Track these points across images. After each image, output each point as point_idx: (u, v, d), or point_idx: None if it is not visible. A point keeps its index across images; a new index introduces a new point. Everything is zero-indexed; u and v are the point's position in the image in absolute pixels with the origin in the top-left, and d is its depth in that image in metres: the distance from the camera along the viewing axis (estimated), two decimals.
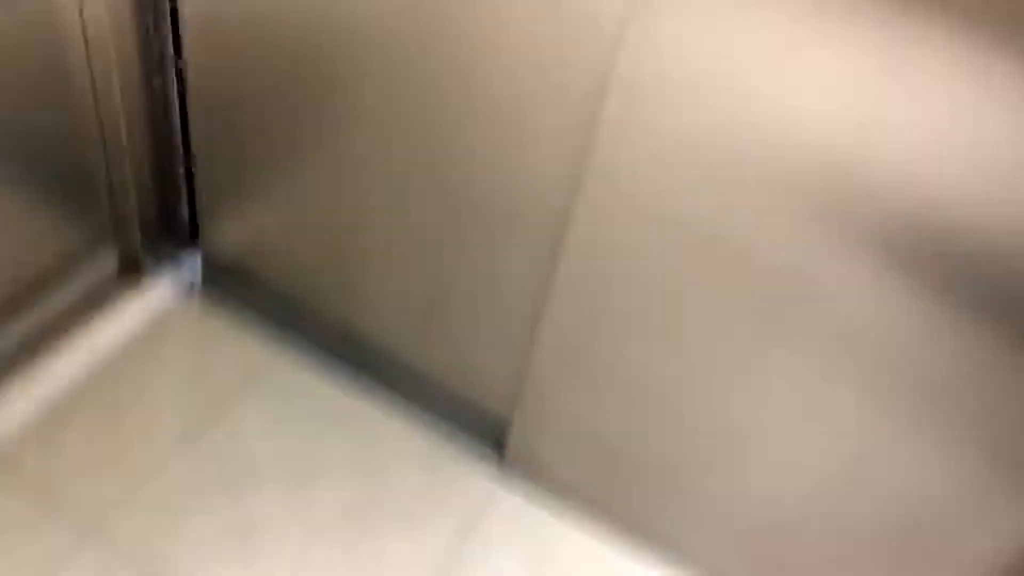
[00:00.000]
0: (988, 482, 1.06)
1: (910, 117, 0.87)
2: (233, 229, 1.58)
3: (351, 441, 1.49)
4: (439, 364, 1.51)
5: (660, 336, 1.18)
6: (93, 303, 1.57)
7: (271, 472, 1.43)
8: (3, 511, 1.31)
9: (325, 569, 1.34)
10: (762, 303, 1.06)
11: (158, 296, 1.63)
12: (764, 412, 1.16)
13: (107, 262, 1.57)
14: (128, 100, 1.39)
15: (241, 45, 1.30)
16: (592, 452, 1.37)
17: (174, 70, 1.41)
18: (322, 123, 1.32)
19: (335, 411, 1.53)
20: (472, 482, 1.48)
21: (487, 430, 1.52)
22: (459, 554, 1.39)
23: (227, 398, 1.51)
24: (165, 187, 1.56)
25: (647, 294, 1.15)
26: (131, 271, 1.61)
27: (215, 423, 1.47)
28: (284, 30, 1.25)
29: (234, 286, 1.64)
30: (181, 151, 1.51)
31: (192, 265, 1.66)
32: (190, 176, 1.55)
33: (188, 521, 1.35)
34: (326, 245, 1.48)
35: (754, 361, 1.12)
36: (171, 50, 1.38)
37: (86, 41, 1.29)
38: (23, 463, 1.36)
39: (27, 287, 1.44)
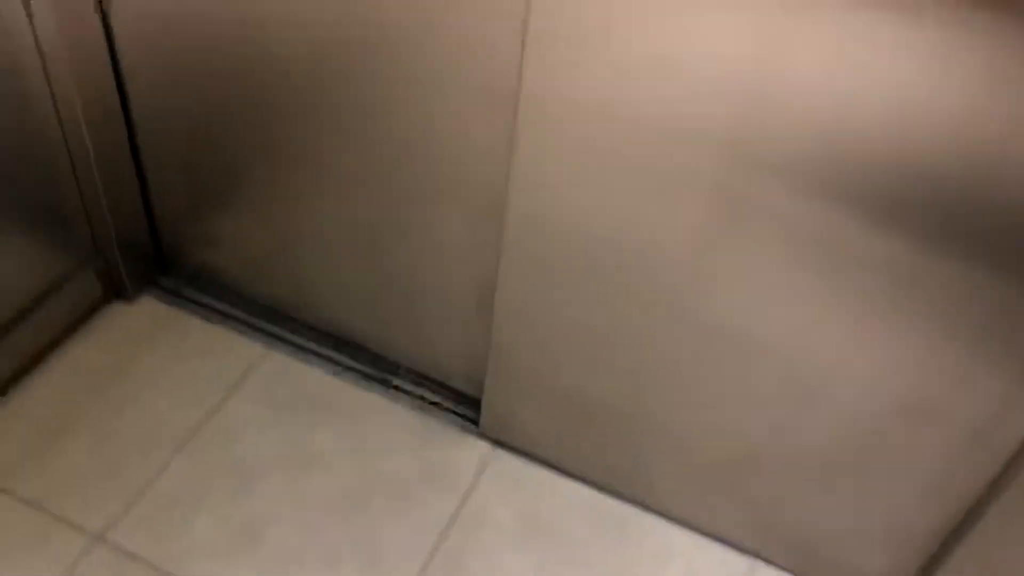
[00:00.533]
0: (942, 384, 1.08)
1: (806, 57, 0.91)
2: (200, 243, 1.64)
3: (340, 425, 1.53)
4: (411, 346, 1.55)
5: (609, 283, 1.21)
6: (79, 324, 1.62)
7: (267, 464, 1.47)
8: (7, 530, 1.35)
9: (330, 554, 1.37)
10: (705, 227, 1.09)
11: (141, 312, 1.67)
12: (721, 343, 1.19)
13: (90, 284, 1.62)
14: (90, 126, 1.43)
15: (174, 64, 1.35)
16: (562, 407, 1.41)
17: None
18: (260, 130, 1.37)
19: (321, 399, 1.57)
20: (459, 451, 1.52)
21: (467, 400, 1.56)
22: (456, 521, 1.43)
23: (216, 399, 1.55)
24: (136, 208, 1.61)
25: (589, 244, 1.18)
26: (114, 291, 1.66)
27: (207, 424, 1.51)
28: (209, 40, 1.30)
29: (211, 295, 1.68)
30: (136, 176, 1.57)
31: (171, 280, 1.71)
32: (151, 197, 1.60)
33: (192, 523, 1.39)
34: (284, 248, 1.53)
35: (706, 290, 1.15)
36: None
37: (47, 75, 1.35)
38: (22, 482, 1.41)
39: (16, 312, 1.49)
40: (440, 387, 1.58)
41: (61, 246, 1.54)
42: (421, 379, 1.59)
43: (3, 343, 1.48)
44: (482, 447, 1.52)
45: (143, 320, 1.66)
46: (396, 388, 1.58)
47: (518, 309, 1.31)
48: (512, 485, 1.48)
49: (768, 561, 1.41)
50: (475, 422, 1.54)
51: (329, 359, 1.62)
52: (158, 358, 1.60)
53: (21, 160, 1.39)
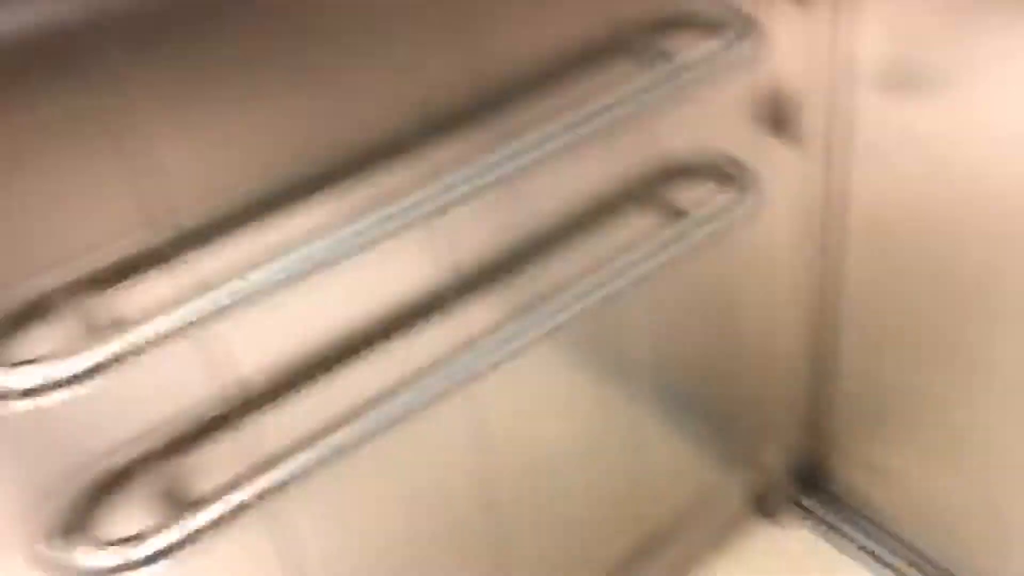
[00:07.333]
0: None
1: None
2: (868, 469, 1.38)
3: None
4: None
5: None
6: (721, 541, 1.44)
7: None
8: None
9: None
10: None
11: (790, 539, 1.44)
12: None
13: (736, 495, 1.44)
14: (796, 331, 1.30)
15: (907, 261, 1.14)
16: None
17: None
18: (983, 344, 1.10)
19: None
20: None
21: None
22: None
23: None
24: (810, 414, 1.41)
25: None
26: (759, 507, 1.47)
27: None
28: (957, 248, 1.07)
29: (867, 533, 1.41)
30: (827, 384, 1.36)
31: (819, 503, 1.47)
32: (826, 410, 1.39)
33: None
34: (976, 494, 1.22)
35: None
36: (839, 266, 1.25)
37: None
38: None
39: (668, 521, 1.34)
40: None
41: (718, 450, 1.37)
42: None
43: (652, 556, 1.33)
44: None
45: (791, 549, 1.43)
46: None
47: None
48: None
49: None
50: None
51: None
52: None
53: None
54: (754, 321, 1.25)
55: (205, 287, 0.65)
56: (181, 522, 0.70)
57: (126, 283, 0.66)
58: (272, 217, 0.71)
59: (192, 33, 0.63)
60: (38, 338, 0.63)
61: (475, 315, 0.89)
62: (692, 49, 0.89)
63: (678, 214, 0.98)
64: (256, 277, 0.66)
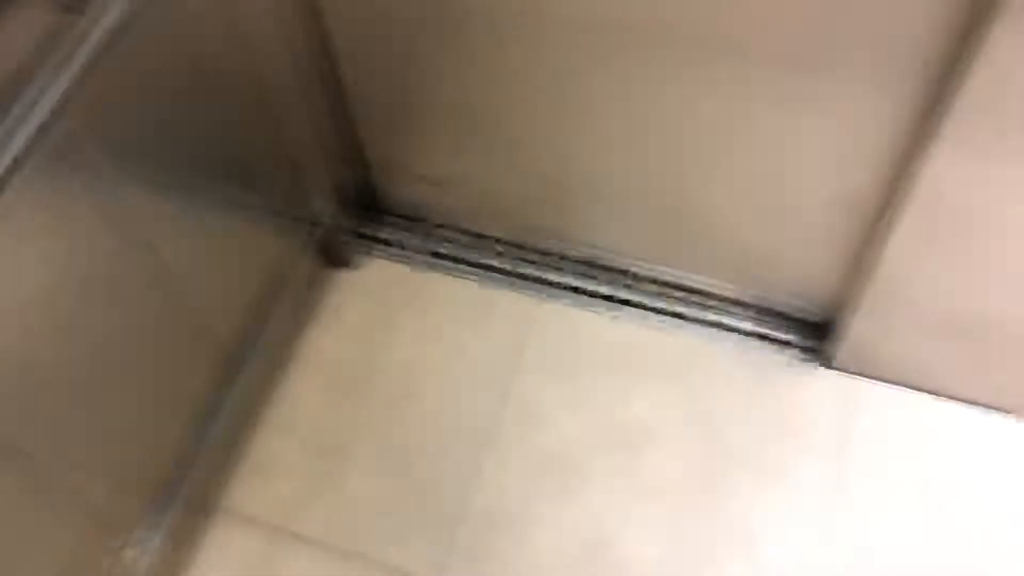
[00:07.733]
0: None
1: None
2: (423, 183, 1.34)
3: (654, 386, 1.27)
4: (721, 268, 1.28)
5: None
6: (307, 316, 1.35)
7: (588, 452, 1.22)
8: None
9: (695, 543, 1.16)
10: None
11: (374, 281, 1.39)
12: None
13: (304, 267, 1.34)
14: (294, 71, 1.14)
15: None
16: (948, 331, 1.14)
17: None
18: (480, 26, 1.05)
19: (618, 354, 1.29)
20: (811, 393, 1.25)
21: (798, 327, 1.30)
22: (837, 478, 1.19)
23: (500, 377, 1.28)
24: (342, 158, 1.32)
25: None
26: (330, 263, 1.39)
27: (503, 411, 1.26)
28: None
29: (441, 240, 1.40)
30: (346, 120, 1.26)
31: (393, 231, 1.42)
32: (357, 138, 1.31)
33: (532, 542, 1.17)
34: (528, 172, 1.23)
35: None
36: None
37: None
38: (315, 525, 1.20)
39: (242, 333, 1.21)
40: (761, 313, 1.30)
41: (268, 227, 1.24)
42: (731, 305, 1.32)
43: (245, 363, 1.21)
44: (840, 383, 1.25)
45: (373, 284, 1.38)
46: (706, 319, 1.31)
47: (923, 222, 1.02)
48: (882, 420, 1.23)
49: None
50: (812, 351, 1.28)
51: (609, 299, 1.33)
52: (411, 335, 1.33)
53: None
54: (248, 77, 1.06)
55: None
56: None
57: None
58: None
59: None
60: None
61: None
62: None
63: None
64: None
